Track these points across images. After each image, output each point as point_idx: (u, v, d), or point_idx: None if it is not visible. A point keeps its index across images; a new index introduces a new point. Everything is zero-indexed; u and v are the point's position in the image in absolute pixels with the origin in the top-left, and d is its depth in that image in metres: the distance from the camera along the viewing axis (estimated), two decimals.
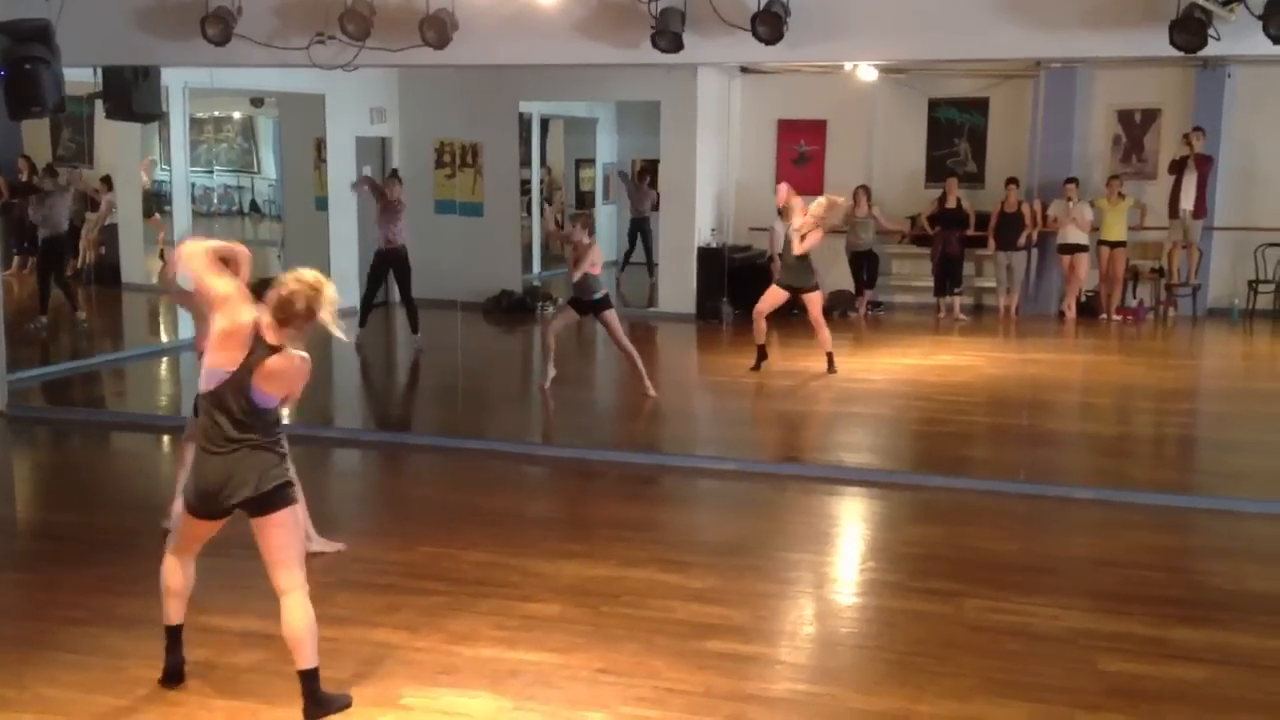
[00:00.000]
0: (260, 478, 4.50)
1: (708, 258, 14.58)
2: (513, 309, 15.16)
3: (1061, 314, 14.43)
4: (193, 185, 14.70)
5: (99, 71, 9.70)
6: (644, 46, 7.80)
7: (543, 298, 15.34)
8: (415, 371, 12.63)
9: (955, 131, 15.36)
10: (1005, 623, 5.63)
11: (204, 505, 4.58)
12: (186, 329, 12.99)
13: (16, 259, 12.86)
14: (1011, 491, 7.75)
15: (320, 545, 6.34)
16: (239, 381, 4.43)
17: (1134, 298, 14.61)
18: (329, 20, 8.14)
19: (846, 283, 14.96)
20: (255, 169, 18.92)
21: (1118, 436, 9.86)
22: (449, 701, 4.76)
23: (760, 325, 11.23)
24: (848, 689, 5.00)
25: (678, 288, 14.85)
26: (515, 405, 11.13)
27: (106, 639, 5.35)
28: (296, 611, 4.53)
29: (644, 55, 7.89)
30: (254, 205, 19.26)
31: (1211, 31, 6.85)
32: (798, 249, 11.05)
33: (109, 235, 15.25)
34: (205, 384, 4.49)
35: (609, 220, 19.53)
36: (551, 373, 10.58)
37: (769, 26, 7.51)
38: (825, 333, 11.25)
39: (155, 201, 15.46)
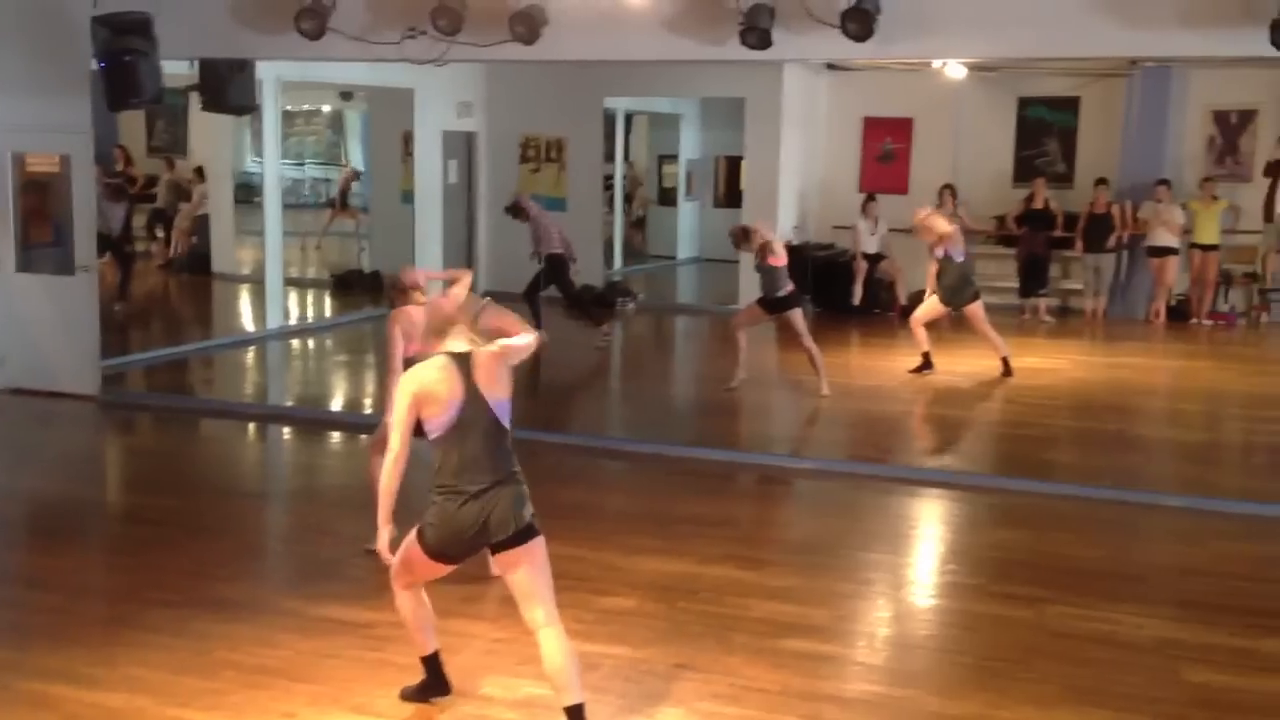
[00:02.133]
0: (517, 512, 4.36)
1: (790, 255, 14.43)
2: (594, 304, 15.19)
3: (1149, 318, 14.16)
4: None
5: (195, 64, 9.88)
6: (732, 43, 7.78)
7: (623, 293, 15.37)
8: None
9: (1045, 131, 15.12)
10: (1089, 630, 5.55)
11: (459, 548, 4.44)
12: (275, 318, 13.23)
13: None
14: (1097, 497, 7.62)
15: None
16: (477, 406, 4.34)
17: (1225, 302, 14.29)
18: (421, 15, 8.23)
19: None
20: (343, 161, 19.20)
21: (1207, 443, 9.65)
22: (528, 693, 4.79)
23: (919, 333, 11.12)
24: (926, 692, 4.96)
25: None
26: (594, 400, 11.15)
27: (195, 622, 5.46)
28: (558, 646, 4.34)
29: (732, 52, 7.87)
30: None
31: None
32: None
33: (201, 225, 15.59)
34: (438, 429, 4.37)
35: (689, 216, 19.57)
36: (741, 375, 10.40)
37: (859, 23, 7.45)
38: (994, 337, 11.10)
39: (247, 193, 15.76)
